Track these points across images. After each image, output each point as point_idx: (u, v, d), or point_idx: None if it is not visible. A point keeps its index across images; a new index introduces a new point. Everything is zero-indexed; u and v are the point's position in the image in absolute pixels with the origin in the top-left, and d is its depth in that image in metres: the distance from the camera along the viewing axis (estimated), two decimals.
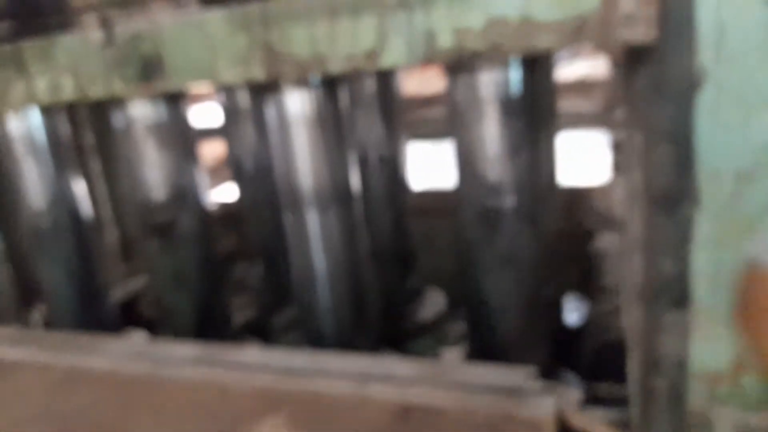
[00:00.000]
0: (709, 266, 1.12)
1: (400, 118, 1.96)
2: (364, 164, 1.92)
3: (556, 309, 1.88)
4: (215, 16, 1.33)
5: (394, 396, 1.13)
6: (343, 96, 1.55)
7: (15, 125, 1.72)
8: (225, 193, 3.03)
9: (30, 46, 1.52)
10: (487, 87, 1.34)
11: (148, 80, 1.41)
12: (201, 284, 1.76)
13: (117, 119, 1.64)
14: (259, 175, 2.14)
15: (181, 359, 1.37)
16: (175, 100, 1.66)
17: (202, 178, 1.76)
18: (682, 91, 1.04)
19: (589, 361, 2.06)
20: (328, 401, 1.15)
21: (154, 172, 1.65)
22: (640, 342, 1.29)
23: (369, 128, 1.91)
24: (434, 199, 2.62)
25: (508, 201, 1.41)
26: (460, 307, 2.41)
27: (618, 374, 1.82)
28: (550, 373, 1.50)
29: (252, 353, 1.39)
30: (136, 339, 1.61)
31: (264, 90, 1.53)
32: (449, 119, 1.46)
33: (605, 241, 2.82)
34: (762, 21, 0.97)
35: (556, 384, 1.24)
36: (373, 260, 1.78)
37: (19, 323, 2.17)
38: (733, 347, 1.15)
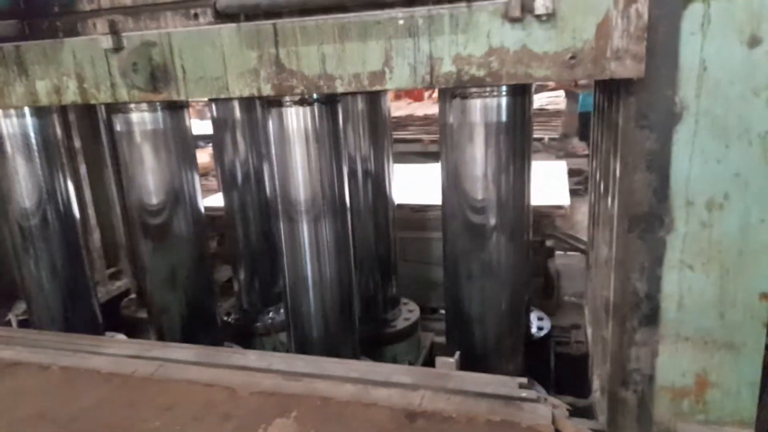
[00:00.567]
0: (679, 288, 1.22)
1: (386, 135, 2.03)
2: (352, 178, 1.98)
3: (525, 320, 1.97)
4: (227, 30, 1.36)
5: (398, 400, 1.17)
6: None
7: (8, 123, 1.72)
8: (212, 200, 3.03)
9: (33, 47, 1.52)
10: (478, 112, 1.43)
11: (155, 88, 1.43)
12: (192, 286, 1.79)
13: (118, 123, 1.66)
14: (247, 184, 2.19)
15: (184, 361, 1.37)
16: (176, 107, 1.70)
17: (197, 183, 1.79)
18: (663, 122, 1.14)
19: (552, 373, 2.15)
20: (335, 404, 1.17)
21: (151, 176, 1.68)
22: (610, 356, 1.36)
23: (357, 144, 1.98)
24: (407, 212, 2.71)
25: (492, 218, 1.50)
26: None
27: (579, 387, 1.91)
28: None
29: (253, 356, 1.40)
30: (136, 340, 1.61)
31: (261, 103, 1.57)
32: (440, 140, 1.55)
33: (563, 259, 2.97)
34: (741, 59, 1.07)
35: (547, 394, 1.31)
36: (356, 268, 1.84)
37: None
38: (698, 364, 1.25)
